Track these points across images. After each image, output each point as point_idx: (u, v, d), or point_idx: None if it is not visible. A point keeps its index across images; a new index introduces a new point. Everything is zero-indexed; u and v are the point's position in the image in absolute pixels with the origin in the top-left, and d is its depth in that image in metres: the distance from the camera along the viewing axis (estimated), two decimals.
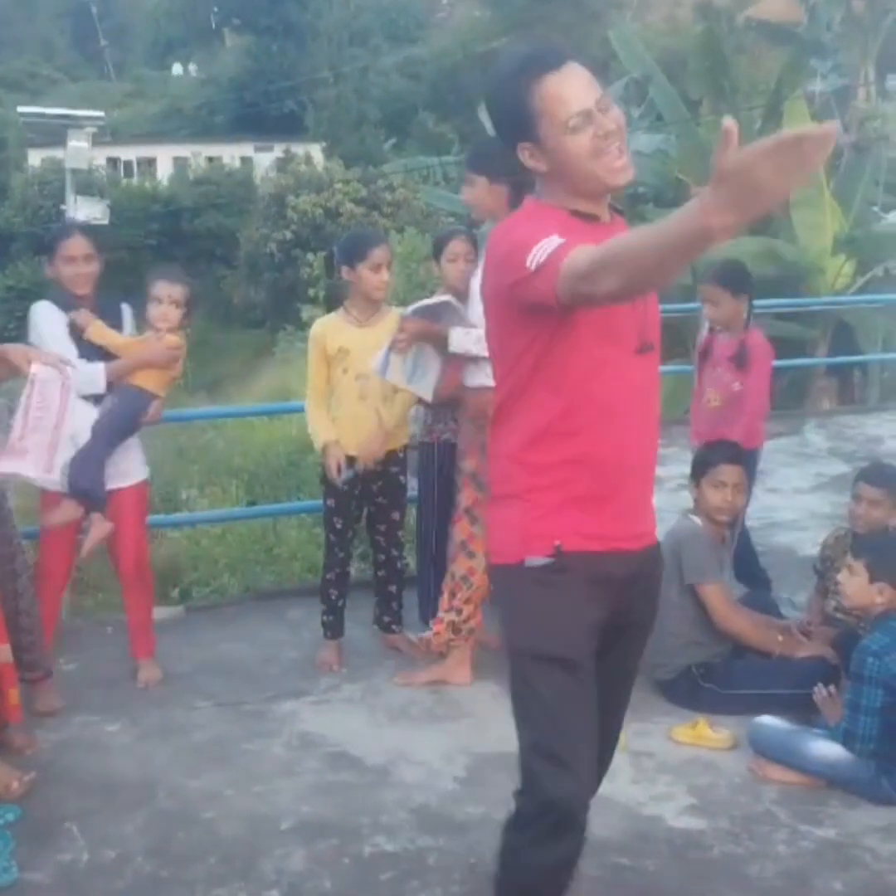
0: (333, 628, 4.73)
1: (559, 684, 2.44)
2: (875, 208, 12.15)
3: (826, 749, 3.65)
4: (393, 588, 4.82)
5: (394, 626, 4.84)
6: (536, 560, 2.43)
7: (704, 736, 4.00)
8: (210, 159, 36.62)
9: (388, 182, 25.61)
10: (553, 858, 2.48)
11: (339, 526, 4.64)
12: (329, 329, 4.57)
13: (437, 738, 4.11)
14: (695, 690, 4.15)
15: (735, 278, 4.79)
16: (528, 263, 2.23)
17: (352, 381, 4.49)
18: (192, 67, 47.34)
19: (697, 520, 4.33)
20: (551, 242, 2.22)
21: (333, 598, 4.71)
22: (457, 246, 4.50)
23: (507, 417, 2.48)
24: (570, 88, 2.33)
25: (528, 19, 33.21)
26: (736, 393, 4.74)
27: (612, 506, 2.45)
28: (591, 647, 2.48)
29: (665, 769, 3.86)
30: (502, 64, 2.46)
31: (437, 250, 4.58)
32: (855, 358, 10.03)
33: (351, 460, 4.49)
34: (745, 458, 4.41)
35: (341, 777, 3.85)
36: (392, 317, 4.49)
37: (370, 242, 4.57)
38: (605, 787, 3.75)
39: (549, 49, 2.39)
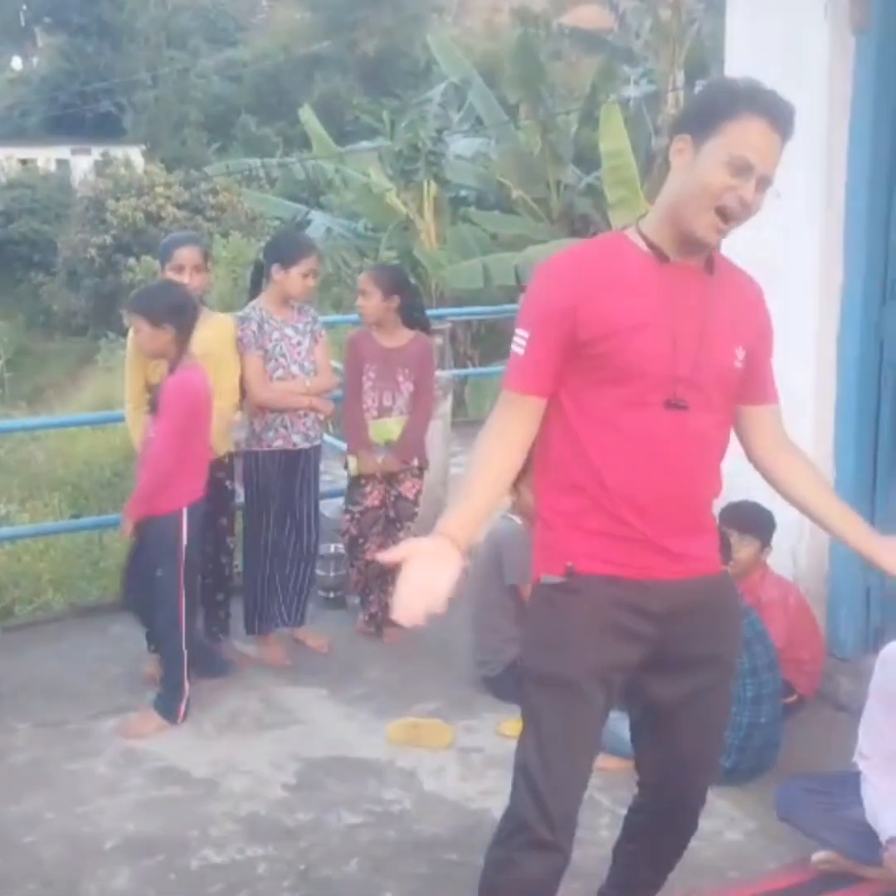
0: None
1: (554, 708, 2.46)
2: None
3: None
4: (220, 596, 4.76)
5: (220, 636, 4.78)
6: (550, 579, 2.47)
7: None
8: (23, 162, 35.42)
9: (212, 185, 25.24)
10: (526, 876, 2.47)
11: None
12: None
13: (266, 746, 4.08)
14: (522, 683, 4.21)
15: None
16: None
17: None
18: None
19: (517, 520, 4.41)
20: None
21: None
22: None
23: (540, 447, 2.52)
24: (760, 143, 2.33)
25: (348, 22, 33.23)
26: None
27: (634, 538, 2.44)
28: (603, 675, 2.46)
29: (493, 764, 3.92)
30: (743, 80, 2.41)
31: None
32: None
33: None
34: None
35: (168, 792, 3.78)
36: (218, 320, 4.59)
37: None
38: (433, 785, 3.83)
39: (784, 109, 2.36)
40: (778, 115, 2.34)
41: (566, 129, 14.03)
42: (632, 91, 14.60)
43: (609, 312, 2.37)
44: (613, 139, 11.40)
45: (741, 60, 4.71)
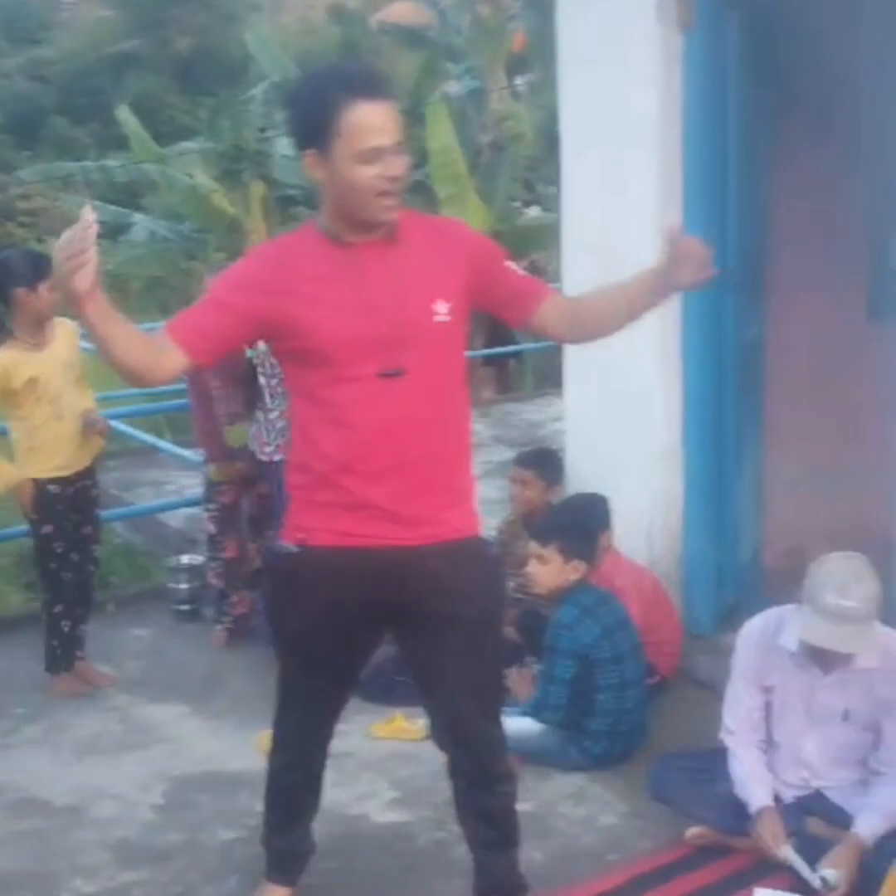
0: (68, 659, 4.56)
1: (292, 662, 2.82)
2: (516, 204, 12.80)
3: (517, 724, 3.76)
4: (81, 611, 4.60)
5: (78, 653, 4.59)
6: (286, 548, 2.64)
7: (402, 729, 4.07)
8: None
9: (23, 190, 24.28)
10: (277, 787, 3.02)
11: (59, 550, 4.46)
12: (10, 364, 4.31)
13: (130, 767, 3.95)
14: (389, 685, 4.19)
15: None
16: None
17: (47, 407, 4.36)
18: None
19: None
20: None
21: (67, 629, 4.53)
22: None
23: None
24: (378, 121, 2.38)
25: (158, 20, 32.45)
26: None
27: (368, 508, 2.57)
28: (335, 636, 2.71)
29: (366, 767, 3.90)
30: (322, 72, 2.51)
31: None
32: (510, 348, 10.50)
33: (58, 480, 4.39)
34: None
35: (29, 824, 3.62)
36: (64, 327, 4.40)
37: (47, 261, 4.36)
38: None
39: (373, 77, 2.43)
40: (371, 86, 2.41)
41: None
42: (455, 87, 14.70)
43: (298, 297, 2.49)
44: (440, 136, 11.47)
45: (572, 58, 4.80)
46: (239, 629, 4.88)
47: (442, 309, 2.55)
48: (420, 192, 13.77)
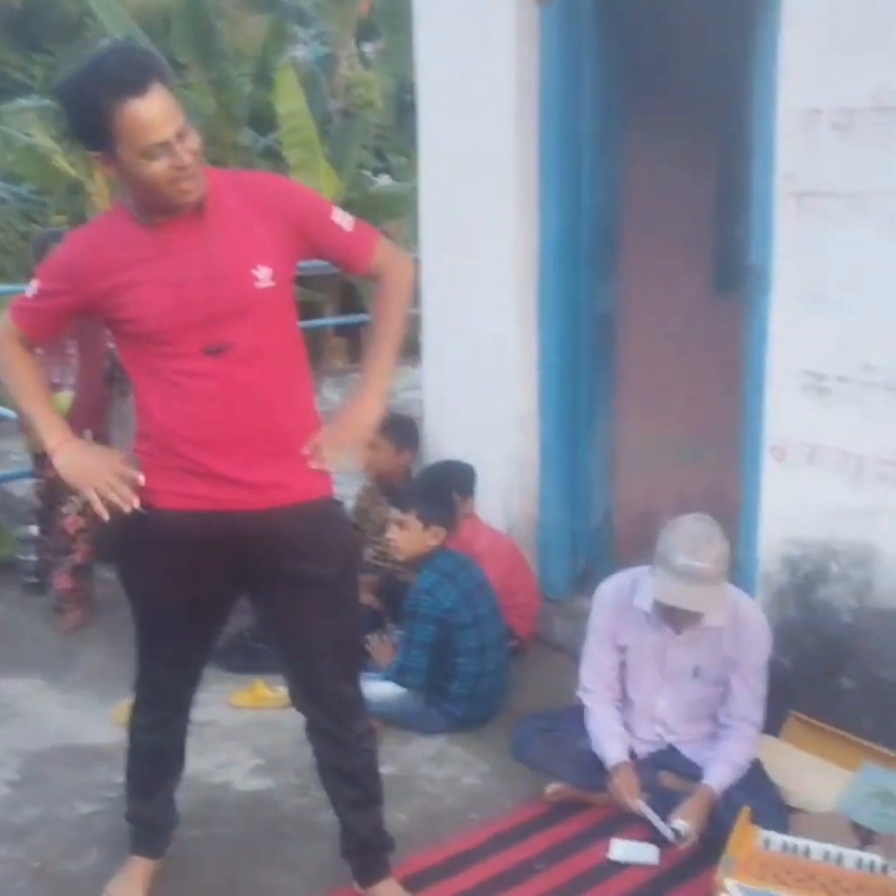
0: None
1: (143, 618, 2.83)
2: (366, 172, 12.73)
3: (378, 689, 3.81)
4: None
5: None
6: (138, 510, 2.60)
7: (263, 696, 4.06)
8: None
9: None
10: (137, 746, 3.02)
11: None
12: None
13: None
14: (248, 653, 4.18)
15: None
16: None
17: None
18: None
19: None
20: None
21: None
22: None
23: None
24: (152, 117, 2.34)
25: None
26: None
27: (212, 475, 2.59)
28: (182, 600, 2.72)
29: (228, 735, 3.88)
30: (85, 72, 2.39)
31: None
32: (360, 317, 10.48)
33: None
34: None
35: None
36: None
37: None
38: None
39: (137, 68, 2.36)
40: (139, 81, 2.36)
41: (240, 90, 13.76)
42: (304, 53, 14.51)
43: (115, 280, 2.51)
44: (289, 101, 11.29)
45: (429, 25, 4.82)
46: (74, 604, 4.79)
47: (263, 275, 2.53)
48: (270, 157, 13.58)
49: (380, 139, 13.20)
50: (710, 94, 4.61)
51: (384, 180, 13.28)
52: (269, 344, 2.59)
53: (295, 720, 3.75)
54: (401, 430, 4.79)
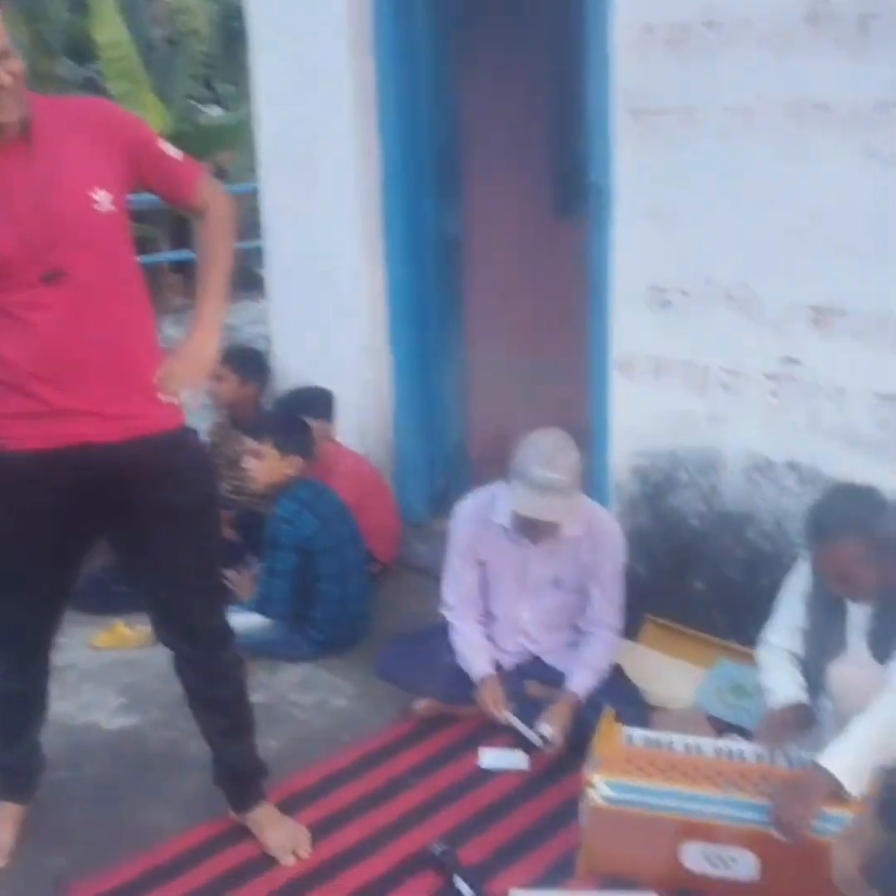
0: None
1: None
2: (195, 103, 12.37)
3: (242, 620, 3.78)
4: None
5: None
6: None
7: (124, 636, 4.02)
8: None
9: None
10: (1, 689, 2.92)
11: None
12: None
13: None
14: (106, 595, 4.10)
15: None
16: None
17: None
18: None
19: None
20: None
21: None
22: None
23: None
24: None
25: None
26: None
27: (62, 411, 2.51)
28: (38, 543, 2.66)
29: (90, 677, 3.83)
30: None
31: None
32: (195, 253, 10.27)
33: None
34: None
35: None
36: None
37: None
38: None
39: None
40: None
41: (55, 18, 13.15)
42: None
43: None
44: (108, 29, 10.83)
45: None
46: None
47: (102, 198, 2.47)
48: (91, 89, 13.05)
49: (207, 68, 12.83)
50: (547, 14, 4.63)
51: (214, 111, 12.94)
52: (110, 271, 2.52)
53: (157, 657, 3.73)
54: (244, 361, 4.76)
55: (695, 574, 3.79)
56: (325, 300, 4.67)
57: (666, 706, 3.51)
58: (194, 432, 2.83)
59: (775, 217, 3.35)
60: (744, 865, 2.71)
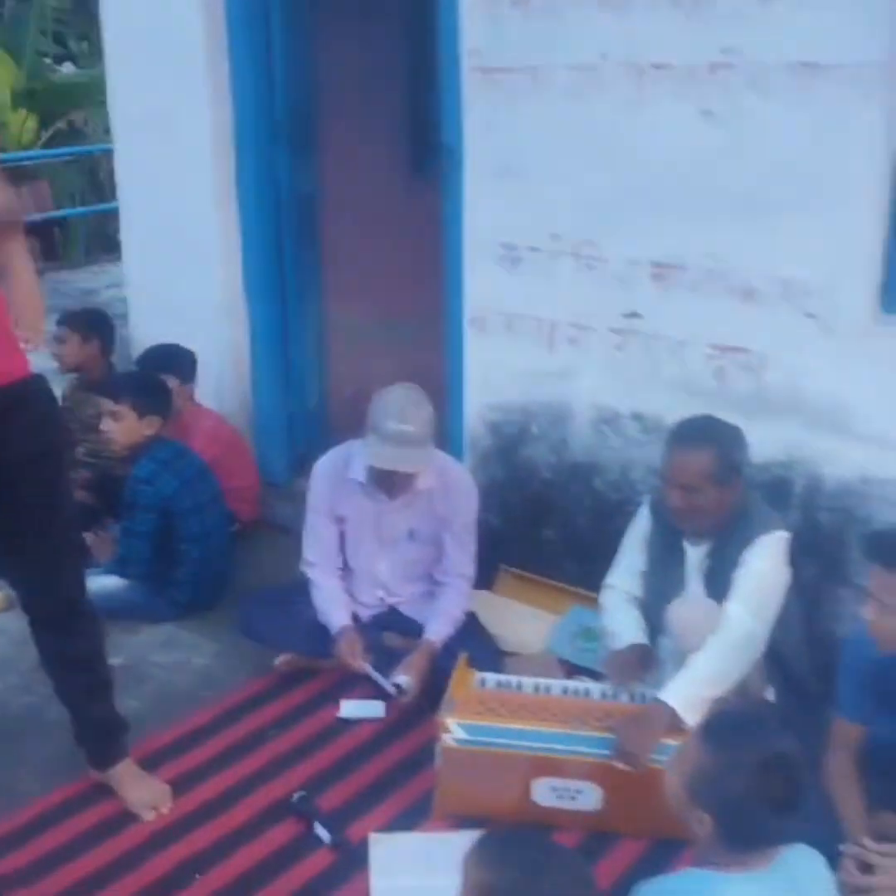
0: None
1: None
2: (47, 60, 12.00)
3: (102, 582, 3.77)
4: None
5: None
6: None
7: None
8: None
9: None
10: None
11: None
12: None
13: None
14: None
15: None
16: None
17: None
18: None
19: None
20: None
21: None
22: None
23: None
24: None
25: None
26: None
27: None
28: None
29: None
30: None
31: None
32: (54, 214, 10.01)
33: None
34: None
35: None
36: None
37: None
38: None
39: None
40: None
41: None
42: None
43: None
44: None
45: None
46: None
47: None
48: None
49: (59, 23, 12.44)
50: None
51: (67, 68, 12.56)
52: None
53: (13, 623, 3.71)
54: (83, 320, 4.73)
55: (546, 524, 3.91)
56: (181, 259, 4.64)
57: (520, 652, 3.63)
58: (42, 378, 2.79)
59: (617, 175, 3.45)
60: (589, 797, 2.84)
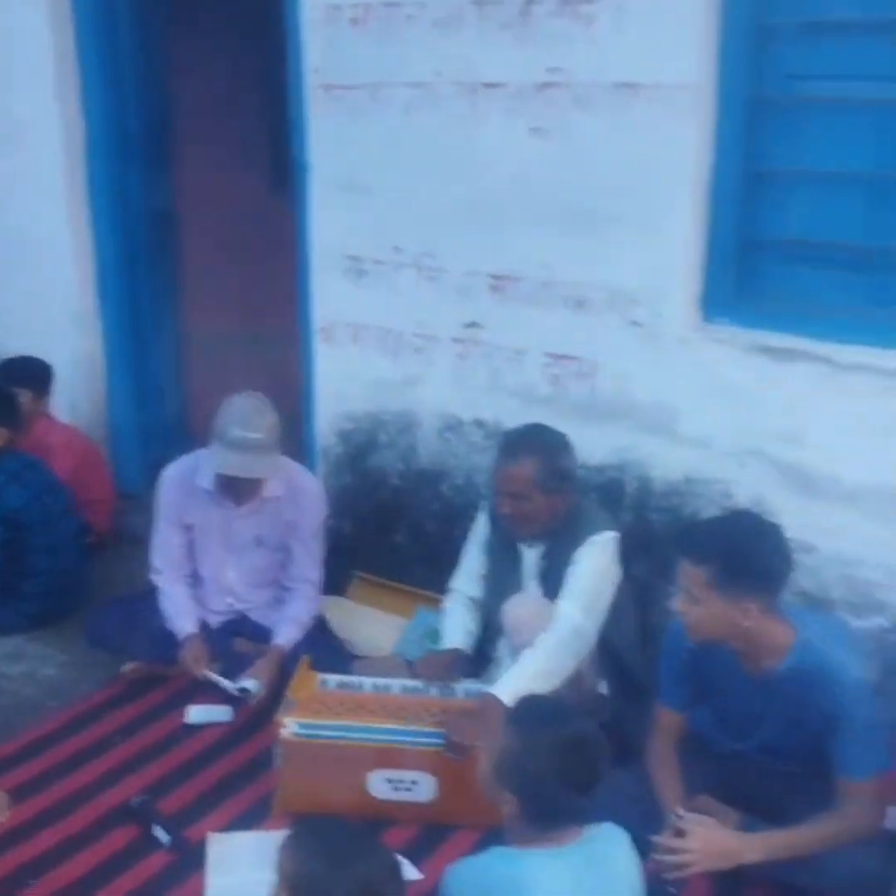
0: None
1: None
2: None
3: None
4: None
5: None
6: None
7: None
8: None
9: None
10: None
11: None
12: None
13: None
14: None
15: None
16: None
17: None
18: None
19: None
20: None
21: None
22: None
23: None
24: None
25: None
26: None
27: None
28: None
29: None
30: None
31: None
32: None
33: None
34: None
35: None
36: None
37: None
38: None
39: None
40: None
41: None
42: None
43: None
44: None
45: None
46: None
47: None
48: None
49: None
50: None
51: None
52: None
53: None
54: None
55: (397, 529, 3.99)
56: (33, 271, 4.62)
57: (370, 655, 3.70)
58: None
59: (455, 189, 3.56)
60: (424, 787, 2.93)
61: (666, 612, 3.47)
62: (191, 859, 2.83)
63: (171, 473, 3.63)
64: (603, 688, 3.27)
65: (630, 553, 3.27)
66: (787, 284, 3.24)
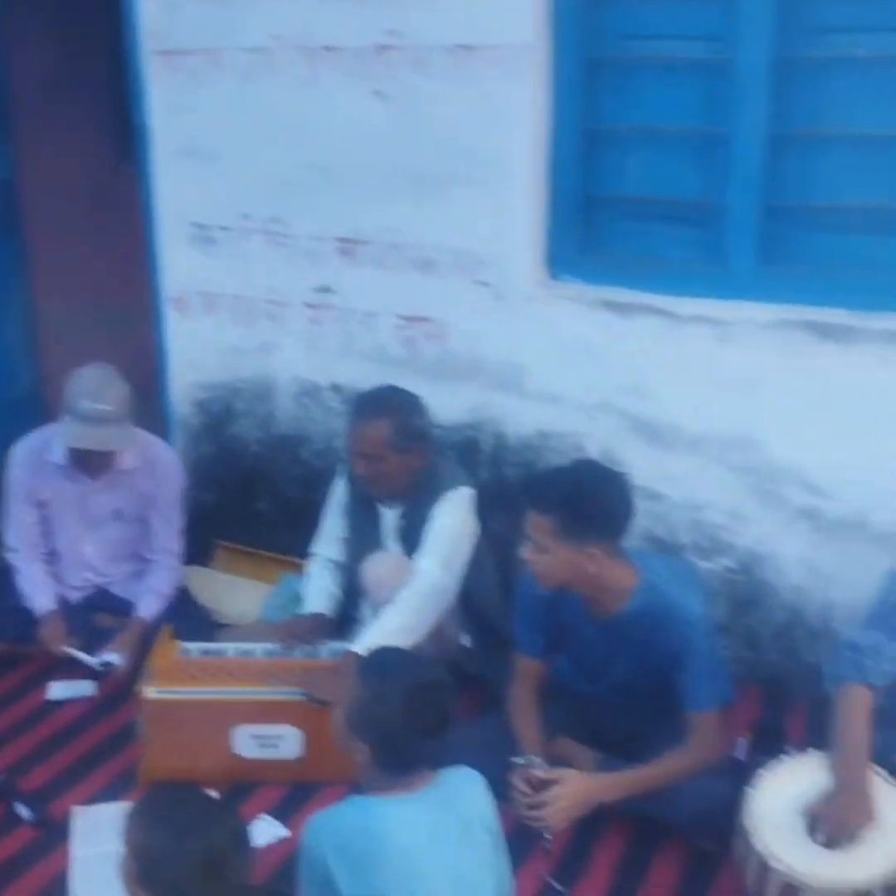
0: None
1: None
2: None
3: None
4: None
5: None
6: None
7: None
8: None
9: None
10: None
11: None
12: None
13: None
14: None
15: None
16: None
17: None
18: None
19: None
20: None
21: None
22: None
23: None
24: None
25: None
26: None
27: None
28: None
29: None
30: None
31: None
32: None
33: None
34: None
35: None
36: None
37: None
38: None
39: None
40: None
41: None
42: None
43: None
44: None
45: None
46: None
47: None
48: None
49: None
50: None
51: None
52: None
53: None
54: None
55: (258, 497, 4.00)
56: None
57: (236, 624, 3.70)
58: None
59: (299, 153, 3.56)
60: (291, 743, 2.96)
61: (523, 564, 3.56)
62: (55, 834, 2.81)
63: (20, 450, 3.57)
64: (466, 640, 3.34)
65: (488, 508, 3.33)
66: (628, 240, 3.33)
